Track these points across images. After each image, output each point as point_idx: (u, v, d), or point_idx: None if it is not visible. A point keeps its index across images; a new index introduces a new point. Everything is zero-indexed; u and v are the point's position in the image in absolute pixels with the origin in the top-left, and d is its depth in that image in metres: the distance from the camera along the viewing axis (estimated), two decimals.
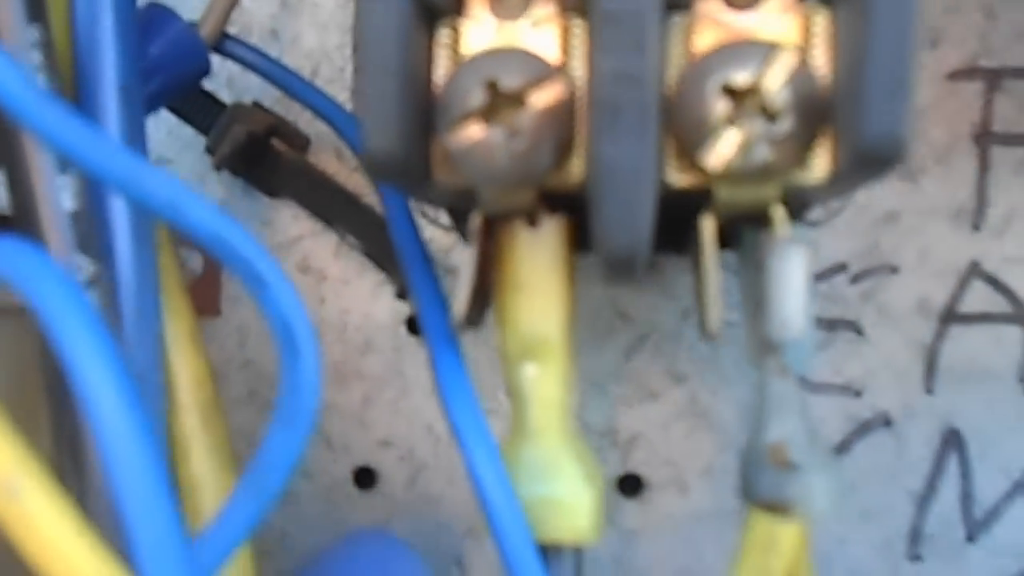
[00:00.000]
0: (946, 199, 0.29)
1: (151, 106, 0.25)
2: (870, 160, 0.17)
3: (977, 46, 0.29)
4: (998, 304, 0.29)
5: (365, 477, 0.32)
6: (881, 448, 0.30)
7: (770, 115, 0.17)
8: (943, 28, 0.29)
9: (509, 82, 0.17)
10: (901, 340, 0.30)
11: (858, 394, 0.30)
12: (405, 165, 0.17)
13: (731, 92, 0.17)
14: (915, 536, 0.30)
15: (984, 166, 0.29)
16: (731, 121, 0.17)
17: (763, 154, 0.17)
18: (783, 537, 0.21)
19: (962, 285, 0.29)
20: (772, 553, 0.21)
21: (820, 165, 0.18)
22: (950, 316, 0.29)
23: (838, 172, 0.18)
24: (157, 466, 0.16)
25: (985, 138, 0.29)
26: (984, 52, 0.29)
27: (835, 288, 0.30)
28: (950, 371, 0.30)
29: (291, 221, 0.32)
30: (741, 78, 0.17)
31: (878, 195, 0.29)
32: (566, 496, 0.20)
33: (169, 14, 0.24)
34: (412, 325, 0.31)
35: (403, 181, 0.18)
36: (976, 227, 0.29)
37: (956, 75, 0.29)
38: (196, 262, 0.32)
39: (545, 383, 0.20)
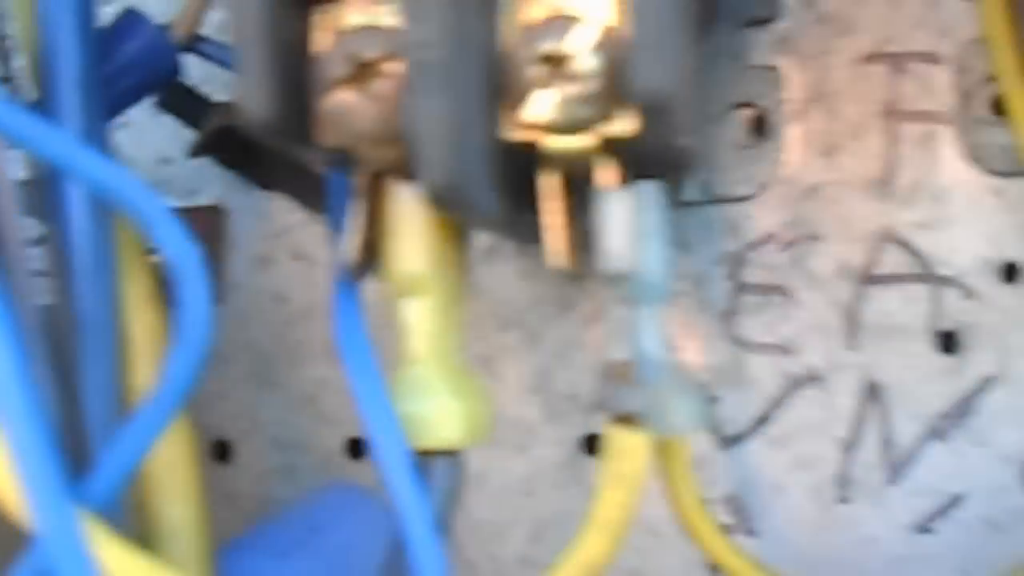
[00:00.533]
0: (860, 172, 0.32)
1: (123, 103, 0.28)
2: (646, 111, 0.20)
3: (883, 33, 0.32)
4: (909, 266, 0.32)
5: (357, 447, 0.35)
6: (811, 401, 0.33)
7: (577, 78, 0.20)
8: (853, 17, 0.32)
9: (370, 54, 0.20)
10: (825, 302, 0.33)
11: (789, 352, 0.33)
12: (281, 127, 0.21)
13: (547, 59, 0.20)
14: (843, 481, 0.33)
15: (893, 141, 0.32)
16: (546, 84, 0.20)
17: (572, 111, 0.20)
18: (631, 447, 0.24)
19: (877, 250, 0.32)
20: (626, 460, 0.24)
21: (628, 120, 0.21)
22: (867, 278, 0.32)
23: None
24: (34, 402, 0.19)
25: (893, 116, 0.32)
26: (890, 39, 0.32)
27: (765, 256, 0.33)
28: (869, 328, 0.32)
29: (285, 212, 0.35)
30: (552, 47, 0.20)
31: (801, 170, 0.33)
32: (435, 411, 0.23)
33: (140, 18, 0.28)
34: None
35: (284, 141, 0.22)
36: (887, 197, 0.32)
37: (866, 59, 0.32)
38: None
39: (421, 316, 0.24)
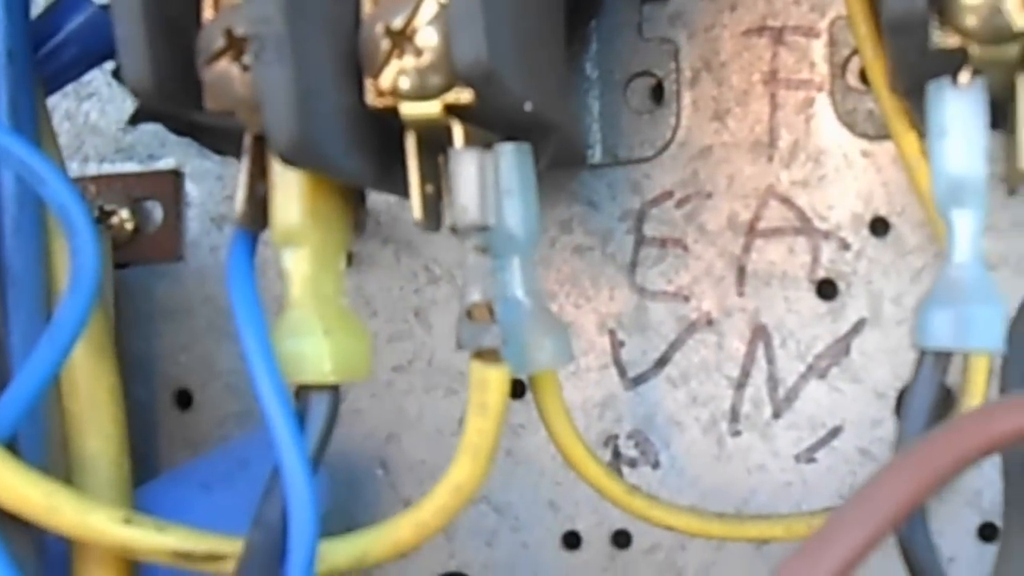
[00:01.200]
0: (746, 135, 0.35)
1: (68, 74, 0.31)
2: (469, 82, 0.23)
3: (765, 9, 0.35)
4: (790, 220, 0.35)
5: None
6: (705, 344, 0.36)
7: (422, 51, 0.23)
8: None
9: (241, 28, 0.23)
10: (717, 253, 0.35)
11: (687, 299, 0.36)
12: (164, 93, 0.24)
13: (395, 33, 0.23)
14: (734, 415, 0.36)
15: (774, 107, 0.35)
16: (396, 56, 0.23)
17: (418, 81, 0.23)
18: (491, 378, 0.26)
19: (762, 206, 0.35)
20: (486, 391, 0.26)
21: (465, 89, 0.24)
22: (753, 231, 0.35)
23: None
24: None
25: (773, 84, 0.35)
26: (770, 14, 0.35)
27: (664, 212, 0.36)
28: (756, 276, 0.35)
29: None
30: (399, 22, 0.23)
31: (694, 134, 0.35)
32: (309, 349, 0.25)
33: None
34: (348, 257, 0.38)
35: (171, 105, 0.25)
36: (770, 158, 0.35)
37: (749, 32, 0.35)
38: (158, 213, 0.39)
39: (298, 264, 0.25)
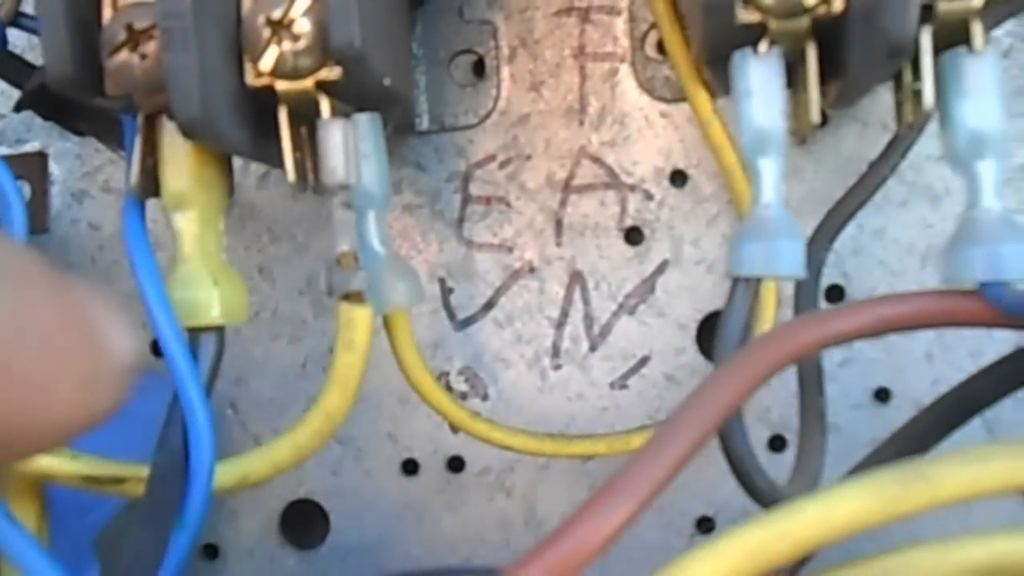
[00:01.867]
0: (559, 103, 0.39)
1: None
2: (342, 62, 0.27)
3: None
4: (600, 176, 0.39)
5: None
6: (528, 289, 0.40)
7: (296, 37, 0.27)
8: None
9: (140, 24, 0.27)
10: (537, 208, 0.39)
11: (510, 250, 0.40)
12: (77, 82, 0.27)
13: (274, 23, 0.27)
14: (555, 351, 0.40)
15: (583, 77, 0.39)
16: (274, 42, 0.27)
17: (293, 63, 0.27)
18: (358, 318, 0.30)
19: (575, 165, 0.39)
20: (354, 330, 0.30)
21: (334, 68, 0.27)
22: (568, 188, 0.39)
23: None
24: None
25: (582, 57, 0.39)
26: None
27: (488, 173, 0.40)
28: (572, 228, 0.39)
29: (96, 153, 0.41)
30: (275, 14, 0.27)
31: (513, 103, 0.39)
32: (200, 297, 0.29)
33: None
34: None
35: (83, 93, 0.28)
36: (581, 123, 0.39)
37: (559, 13, 0.39)
38: (26, 191, 0.42)
39: (188, 225, 0.29)
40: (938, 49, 0.27)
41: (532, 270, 0.39)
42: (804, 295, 0.34)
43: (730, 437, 0.28)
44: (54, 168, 0.42)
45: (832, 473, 0.32)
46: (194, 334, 0.29)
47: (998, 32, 0.37)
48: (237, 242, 0.40)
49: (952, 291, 0.26)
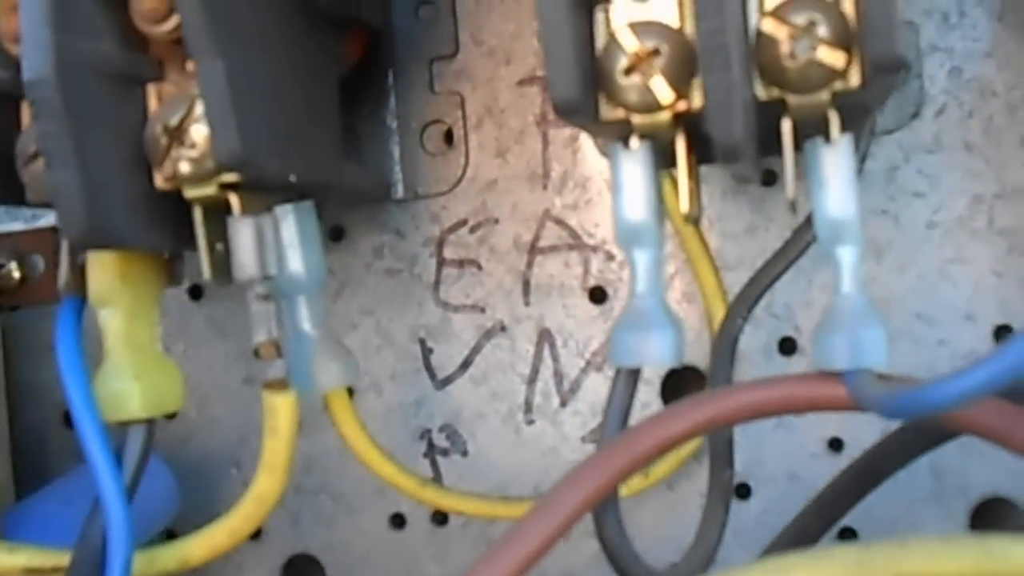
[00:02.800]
0: (524, 168, 0.40)
1: None
2: (231, 171, 0.28)
3: (534, 62, 0.40)
4: (564, 238, 0.40)
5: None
6: (500, 347, 0.41)
7: (193, 145, 0.28)
8: (512, 50, 0.40)
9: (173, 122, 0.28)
10: (505, 270, 0.41)
11: (482, 310, 0.41)
12: (5, 188, 0.29)
13: (170, 131, 0.28)
14: (528, 407, 0.41)
15: (545, 144, 0.41)
16: (170, 149, 0.28)
17: (192, 169, 0.28)
18: (279, 405, 0.32)
19: (541, 227, 0.41)
20: (276, 416, 0.32)
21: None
22: (535, 249, 0.41)
23: None
24: None
25: (544, 124, 0.40)
26: (539, 65, 0.40)
27: (460, 238, 0.41)
28: (539, 288, 0.41)
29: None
30: (172, 121, 0.28)
31: (481, 170, 0.41)
32: (119, 390, 0.29)
33: None
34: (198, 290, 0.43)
35: (7, 199, 0.30)
36: (545, 187, 0.41)
37: (522, 83, 0.40)
38: (41, 264, 0.45)
39: (112, 322, 0.30)
40: (807, 137, 0.27)
41: (503, 329, 0.41)
42: (719, 364, 0.35)
43: (604, 520, 0.28)
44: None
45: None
46: (121, 427, 0.30)
47: (934, 90, 0.37)
48: (237, 308, 0.42)
49: (817, 376, 0.27)
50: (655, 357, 0.27)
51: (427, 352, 0.42)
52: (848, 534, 0.38)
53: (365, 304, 0.42)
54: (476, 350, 0.41)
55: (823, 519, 0.32)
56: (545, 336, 0.41)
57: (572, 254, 0.41)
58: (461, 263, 0.41)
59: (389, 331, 0.42)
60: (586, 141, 0.40)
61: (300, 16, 0.32)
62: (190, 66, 0.28)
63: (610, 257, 0.40)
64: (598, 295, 0.41)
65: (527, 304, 0.41)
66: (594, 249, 0.40)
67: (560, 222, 0.41)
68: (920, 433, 0.30)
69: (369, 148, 0.41)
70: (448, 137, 0.41)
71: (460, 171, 0.41)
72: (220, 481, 0.43)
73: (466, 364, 0.42)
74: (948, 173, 0.38)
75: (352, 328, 0.42)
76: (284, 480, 0.32)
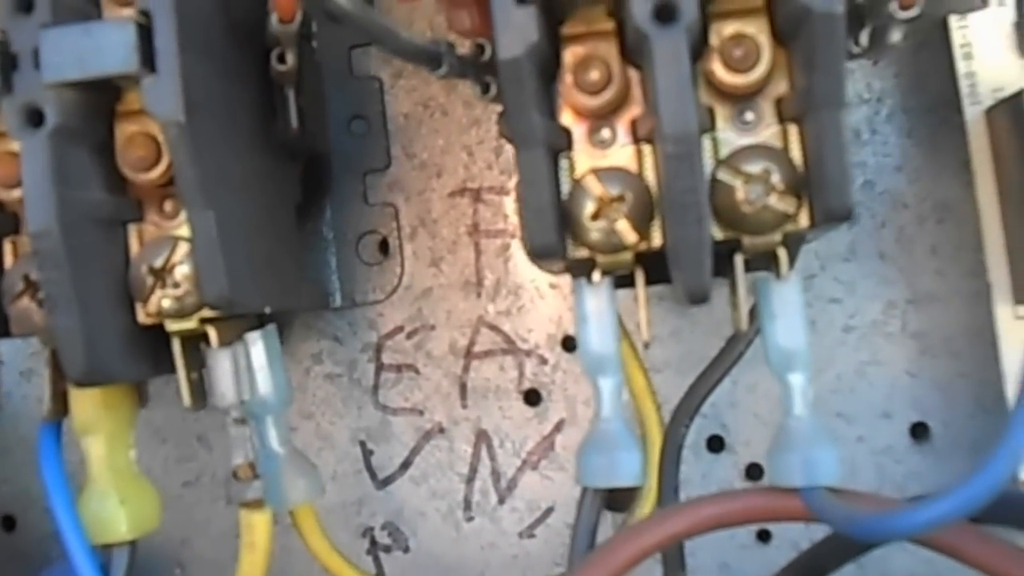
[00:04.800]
0: (458, 277, 0.42)
1: None
2: (214, 308, 0.30)
3: (465, 174, 0.42)
4: (498, 343, 0.42)
5: None
6: (439, 448, 0.43)
7: (176, 284, 0.30)
8: (443, 163, 0.42)
9: (35, 275, 0.30)
10: (442, 374, 0.42)
11: (421, 413, 0.43)
12: None
13: (155, 272, 0.30)
14: (467, 504, 0.43)
15: (478, 253, 0.42)
16: (155, 288, 0.30)
17: (175, 306, 0.30)
18: (256, 522, 0.34)
19: (475, 333, 0.42)
20: (254, 533, 0.34)
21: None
22: (470, 354, 0.42)
23: None
24: None
25: (476, 234, 0.42)
26: (469, 178, 0.42)
27: (398, 343, 0.43)
28: (475, 391, 0.42)
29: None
30: (157, 263, 0.30)
31: (416, 278, 0.43)
32: (105, 514, 0.32)
33: None
34: None
35: None
36: (478, 294, 0.42)
37: (453, 194, 0.42)
38: None
39: (95, 448, 0.32)
40: (757, 267, 0.29)
41: (442, 431, 0.42)
42: (667, 471, 0.36)
43: None
44: (4, 349, 0.45)
45: None
46: (107, 549, 0.32)
47: None
48: (177, 413, 0.44)
49: (776, 491, 0.29)
50: (624, 477, 0.29)
51: (368, 453, 0.43)
52: None
53: (305, 408, 0.43)
54: (416, 451, 0.43)
55: None
56: (482, 437, 0.43)
57: (507, 358, 0.42)
58: (399, 368, 0.43)
59: (330, 434, 0.43)
60: (517, 250, 0.42)
61: (267, 156, 0.34)
62: (168, 206, 0.31)
63: (543, 361, 0.42)
64: (532, 397, 0.42)
65: (464, 407, 0.42)
66: (527, 353, 0.42)
67: (494, 328, 0.42)
68: None
69: (308, 259, 0.42)
70: (383, 247, 0.42)
71: (396, 279, 0.42)
72: None
73: (406, 464, 0.43)
74: (863, 280, 0.40)
75: (293, 432, 0.43)
76: None
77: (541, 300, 0.42)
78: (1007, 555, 0.27)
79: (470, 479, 0.43)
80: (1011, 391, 0.35)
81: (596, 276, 0.28)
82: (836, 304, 0.40)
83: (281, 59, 0.31)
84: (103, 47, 0.27)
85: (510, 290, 0.42)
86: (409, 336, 0.42)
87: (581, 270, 0.28)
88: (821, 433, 0.29)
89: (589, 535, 0.31)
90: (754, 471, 0.41)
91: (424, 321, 0.42)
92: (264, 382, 0.33)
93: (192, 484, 0.44)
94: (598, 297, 0.29)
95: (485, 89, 0.29)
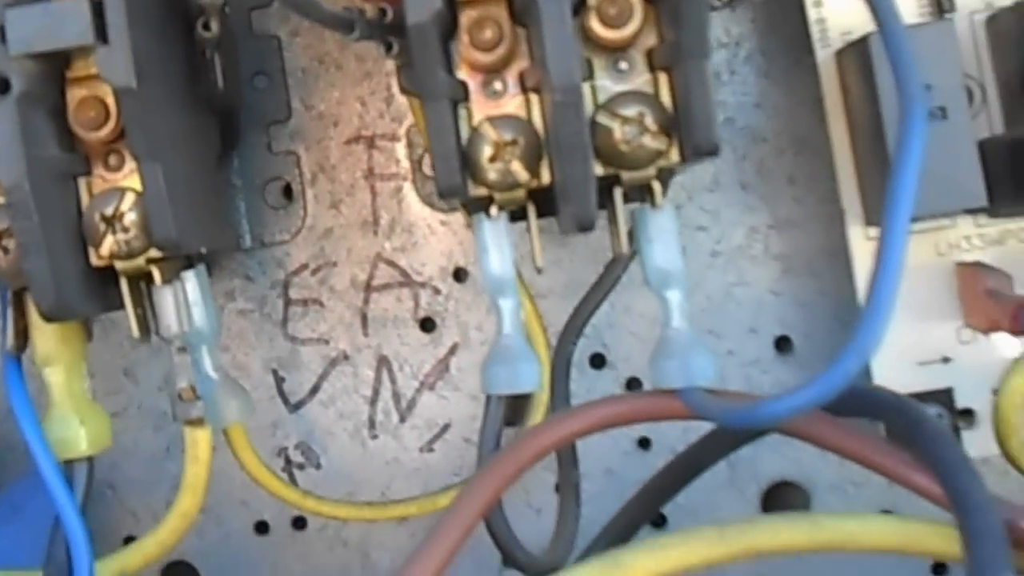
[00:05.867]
0: (356, 218, 0.45)
1: None
2: (162, 249, 0.34)
3: (359, 123, 0.45)
4: (395, 277, 0.45)
5: None
6: (344, 374, 0.46)
7: (126, 229, 0.34)
8: (338, 114, 0.45)
9: (1, 225, 0.33)
10: (345, 306, 0.46)
11: (327, 342, 0.46)
12: None
13: (105, 218, 0.34)
14: (372, 424, 0.46)
15: (374, 195, 0.45)
16: (107, 234, 0.34)
17: (125, 249, 0.34)
18: (199, 438, 0.38)
19: (373, 268, 0.45)
20: (196, 447, 0.38)
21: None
22: (370, 288, 0.46)
23: None
24: None
25: (372, 178, 0.45)
26: (363, 126, 0.45)
27: (303, 280, 0.45)
28: (375, 321, 0.46)
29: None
30: (108, 210, 0.34)
31: (318, 220, 0.46)
32: (67, 434, 0.35)
33: None
34: None
35: None
36: (375, 233, 0.46)
37: (350, 141, 0.45)
38: None
39: (55, 377, 0.35)
40: (634, 199, 0.34)
41: (346, 358, 0.45)
42: (558, 382, 0.41)
43: (494, 522, 0.35)
44: None
45: (612, 508, 0.39)
46: (68, 464, 0.35)
47: None
48: (104, 349, 0.47)
49: (658, 393, 0.33)
50: (525, 384, 0.32)
51: (280, 381, 0.47)
52: (660, 520, 0.46)
53: (222, 342, 0.46)
54: (323, 377, 0.46)
55: (646, 510, 0.38)
56: (383, 362, 0.46)
57: (403, 290, 0.46)
58: (306, 302, 0.45)
59: (245, 364, 0.47)
60: (410, 192, 0.46)
61: (196, 113, 0.38)
62: (113, 160, 0.34)
63: (437, 291, 0.46)
64: (428, 325, 0.45)
65: (366, 335, 0.45)
66: (422, 285, 0.46)
67: (391, 263, 0.46)
68: (734, 433, 0.36)
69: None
70: (287, 192, 0.44)
71: (300, 221, 0.45)
72: (99, 501, 0.47)
73: (315, 390, 0.46)
74: (727, 208, 0.45)
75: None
76: (203, 497, 0.38)
77: (433, 236, 0.45)
78: (852, 436, 0.32)
79: (373, 401, 0.46)
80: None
81: (494, 211, 0.31)
82: (703, 231, 0.45)
83: (206, 26, 0.35)
84: (62, 22, 0.30)
85: (404, 228, 0.45)
86: (313, 273, 0.45)
87: (480, 206, 0.31)
88: (697, 342, 0.32)
89: (495, 439, 0.35)
90: (634, 384, 0.46)
91: (327, 259, 0.45)
92: (199, 315, 0.37)
93: (120, 414, 0.47)
94: (496, 229, 0.32)
95: (388, 48, 0.32)
